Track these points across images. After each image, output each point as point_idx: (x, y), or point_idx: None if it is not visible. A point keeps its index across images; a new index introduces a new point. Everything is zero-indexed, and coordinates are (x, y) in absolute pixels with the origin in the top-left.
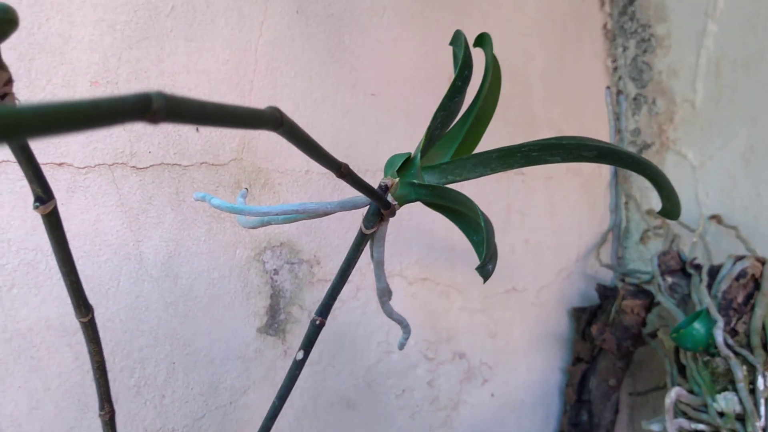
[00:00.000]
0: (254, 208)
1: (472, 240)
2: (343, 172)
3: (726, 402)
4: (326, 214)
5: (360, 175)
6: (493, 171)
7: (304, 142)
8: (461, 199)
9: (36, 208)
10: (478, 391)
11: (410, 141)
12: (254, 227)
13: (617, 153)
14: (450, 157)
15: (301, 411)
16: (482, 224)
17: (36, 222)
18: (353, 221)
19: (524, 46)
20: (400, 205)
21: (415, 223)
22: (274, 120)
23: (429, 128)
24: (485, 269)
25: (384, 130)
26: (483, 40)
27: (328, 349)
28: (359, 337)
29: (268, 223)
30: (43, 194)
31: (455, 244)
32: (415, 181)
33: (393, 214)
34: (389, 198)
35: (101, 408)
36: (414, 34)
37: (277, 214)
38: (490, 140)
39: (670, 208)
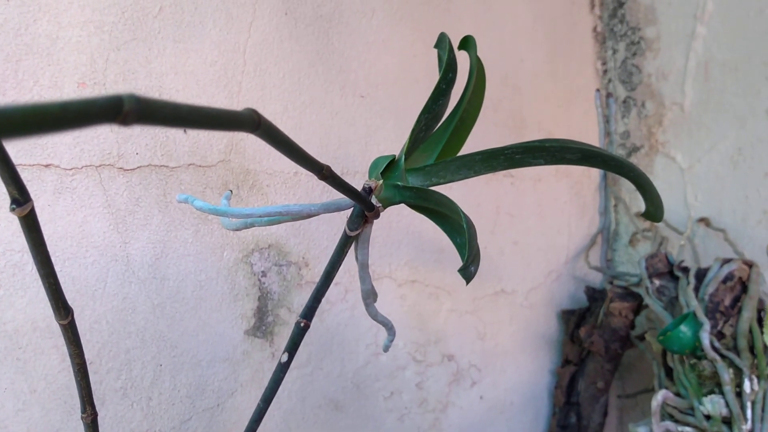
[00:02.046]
0: (237, 210)
1: (455, 242)
2: (325, 174)
3: (712, 405)
4: (310, 216)
5: (349, 177)
6: (477, 173)
7: (284, 144)
8: (444, 201)
9: (12, 210)
10: (467, 393)
11: (399, 143)
12: (237, 229)
13: (601, 156)
14: (434, 159)
15: (289, 413)
16: (464, 226)
17: None
18: (342, 223)
19: (514, 49)
20: (384, 207)
21: (405, 224)
22: (251, 122)
23: (413, 131)
24: (467, 271)
25: (373, 131)
26: (467, 43)
27: (316, 351)
28: (348, 339)
29: (252, 225)
30: (20, 196)
31: (444, 246)
32: (399, 183)
33: (377, 216)
34: (373, 200)
35: (83, 411)
36: (403, 36)
37: (260, 216)
38: (479, 142)
39: (654, 210)
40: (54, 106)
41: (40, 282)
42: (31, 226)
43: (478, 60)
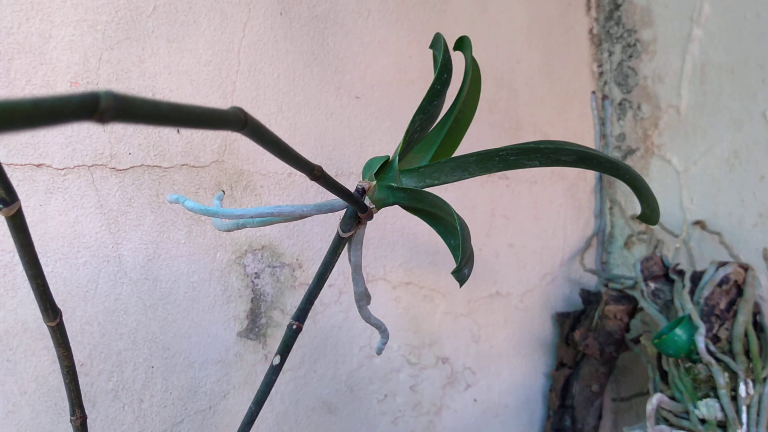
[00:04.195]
0: (229, 210)
1: (449, 244)
2: (316, 174)
3: (707, 409)
4: (302, 217)
5: (344, 178)
6: (472, 175)
7: (273, 144)
8: (438, 203)
9: None
10: (461, 396)
11: (395, 144)
12: (229, 230)
13: (596, 157)
14: (429, 160)
15: (282, 416)
16: (458, 228)
17: None
18: (336, 224)
19: (510, 50)
20: (378, 208)
21: (400, 226)
22: (237, 120)
23: (407, 131)
24: (461, 273)
25: (368, 132)
26: (462, 44)
27: (310, 354)
28: (342, 342)
29: (243, 226)
30: (7, 196)
31: (439, 248)
32: (393, 184)
33: (370, 217)
34: (366, 201)
35: (72, 413)
36: (399, 37)
37: (251, 217)
38: (475, 144)
39: (650, 213)
40: (26, 103)
41: None
42: (18, 226)
43: (474, 61)
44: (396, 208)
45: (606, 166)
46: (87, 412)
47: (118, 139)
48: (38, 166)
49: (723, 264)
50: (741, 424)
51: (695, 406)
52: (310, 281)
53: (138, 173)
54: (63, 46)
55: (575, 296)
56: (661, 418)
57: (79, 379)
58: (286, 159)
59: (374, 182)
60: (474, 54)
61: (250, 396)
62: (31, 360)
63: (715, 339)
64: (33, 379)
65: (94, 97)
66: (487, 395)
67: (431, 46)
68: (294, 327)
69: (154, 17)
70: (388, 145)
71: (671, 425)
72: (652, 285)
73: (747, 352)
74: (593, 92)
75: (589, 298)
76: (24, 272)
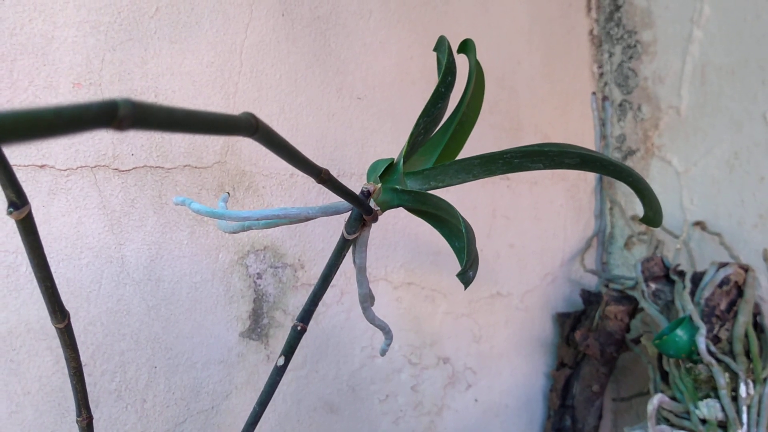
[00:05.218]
0: (235, 213)
1: (453, 246)
2: (323, 177)
3: (708, 409)
4: (308, 219)
5: (345, 179)
6: (476, 177)
7: (282, 148)
8: (443, 205)
9: (10, 213)
10: (462, 396)
11: (396, 145)
12: (235, 232)
13: (599, 160)
14: (433, 163)
15: (284, 416)
16: (463, 231)
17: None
18: (338, 225)
19: (511, 51)
20: (383, 210)
21: (401, 227)
22: (248, 126)
23: (412, 134)
24: (466, 275)
25: (370, 134)
26: (466, 47)
27: (311, 354)
28: (343, 342)
29: (249, 228)
30: (17, 199)
31: (440, 249)
32: (397, 186)
33: (375, 219)
34: (371, 203)
35: (78, 414)
36: (401, 38)
37: (257, 219)
38: (476, 145)
39: (652, 215)
40: (47, 112)
41: (34, 283)
42: (28, 229)
43: (478, 64)
44: (397, 209)
45: (609, 168)
46: None
47: (120, 140)
48: (41, 167)
49: (723, 265)
50: (741, 424)
51: (696, 407)
52: (312, 281)
53: (141, 174)
54: (66, 47)
55: (576, 296)
56: (661, 419)
57: None
58: (295, 163)
59: (379, 184)
60: None
61: (252, 396)
62: (34, 360)
63: (716, 339)
64: (36, 380)
65: (113, 105)
66: (488, 395)
67: (435, 49)
68: (298, 328)
69: (156, 18)
70: (390, 146)
71: (672, 425)
72: (653, 286)
73: (747, 353)
74: (593, 93)
75: (590, 298)
76: (27, 272)
